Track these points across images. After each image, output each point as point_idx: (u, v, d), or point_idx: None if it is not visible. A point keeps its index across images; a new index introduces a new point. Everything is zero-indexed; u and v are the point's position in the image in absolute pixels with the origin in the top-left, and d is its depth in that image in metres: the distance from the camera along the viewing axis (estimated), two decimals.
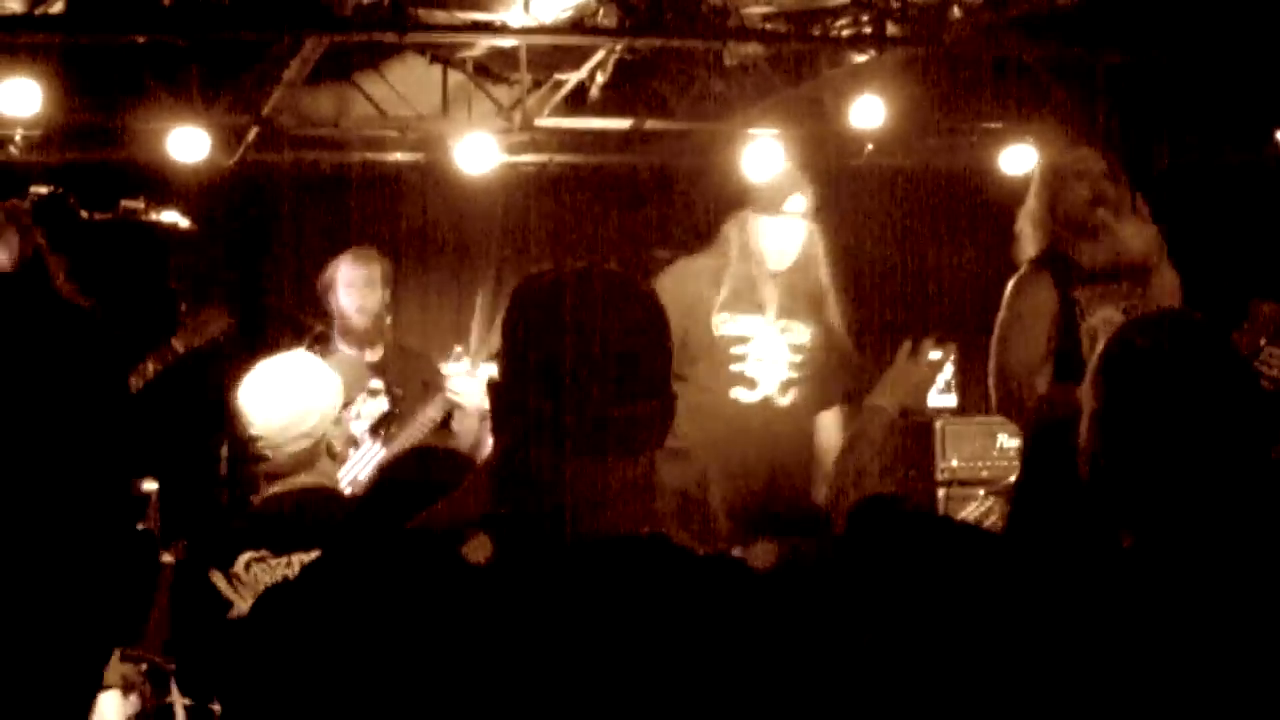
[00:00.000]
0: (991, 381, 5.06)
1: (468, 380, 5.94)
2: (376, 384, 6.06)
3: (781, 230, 5.74)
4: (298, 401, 4.29)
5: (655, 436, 2.11)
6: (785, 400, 5.73)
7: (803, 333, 5.80)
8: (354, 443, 5.93)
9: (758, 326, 5.71)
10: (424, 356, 6.40)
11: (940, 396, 3.50)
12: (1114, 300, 4.94)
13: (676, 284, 5.69)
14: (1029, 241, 5.15)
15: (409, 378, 6.15)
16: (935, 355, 3.55)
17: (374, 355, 6.16)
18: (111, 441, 4.44)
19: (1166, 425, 2.45)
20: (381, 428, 5.88)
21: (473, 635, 1.98)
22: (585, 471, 2.04)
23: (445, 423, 6.05)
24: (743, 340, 5.68)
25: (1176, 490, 2.42)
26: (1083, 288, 4.96)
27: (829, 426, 5.88)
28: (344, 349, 6.15)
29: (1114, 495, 2.49)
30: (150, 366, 5.62)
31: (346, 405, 5.82)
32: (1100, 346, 2.66)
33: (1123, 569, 2.42)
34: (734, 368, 5.62)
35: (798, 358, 5.77)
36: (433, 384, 6.10)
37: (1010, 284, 5.11)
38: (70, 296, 4.87)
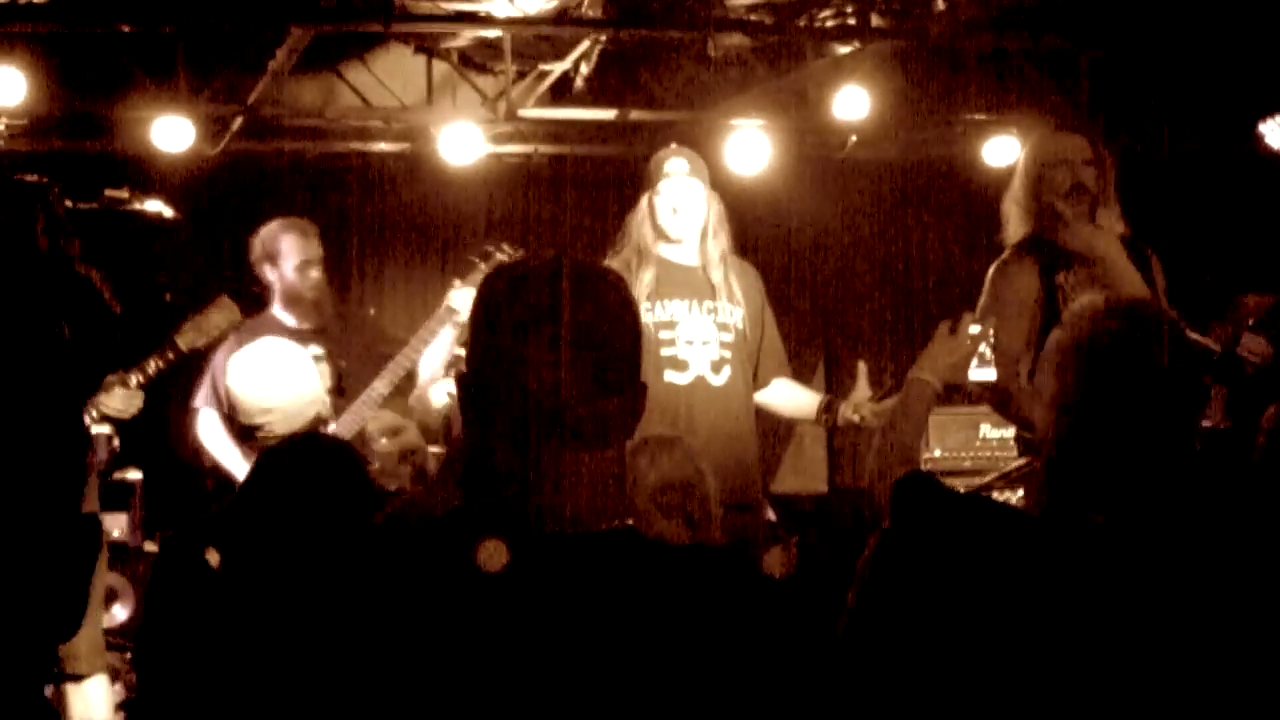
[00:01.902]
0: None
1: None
2: (317, 350, 6.04)
3: (673, 195, 5.66)
4: (302, 376, 4.97)
5: (625, 428, 2.11)
6: (719, 380, 5.66)
7: (731, 312, 5.73)
8: None
9: (682, 310, 5.68)
10: (371, 326, 6.41)
11: (980, 371, 3.49)
12: (1098, 285, 4.92)
13: None
14: (1013, 225, 5.12)
15: (351, 346, 6.15)
16: (975, 329, 3.50)
17: (313, 323, 6.17)
18: (54, 427, 4.49)
19: (1130, 410, 2.48)
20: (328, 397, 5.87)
21: (443, 631, 1.98)
22: (554, 463, 2.04)
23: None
24: (670, 325, 5.63)
25: (1142, 470, 2.45)
26: (1066, 273, 4.95)
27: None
28: (282, 317, 6.17)
29: (1080, 476, 2.51)
30: (153, 364, 5.57)
31: None
32: (1058, 336, 2.68)
33: (1103, 545, 2.44)
34: (664, 352, 5.57)
35: (727, 336, 5.70)
36: (380, 354, 6.11)
37: (992, 270, 5.10)
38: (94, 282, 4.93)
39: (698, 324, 5.67)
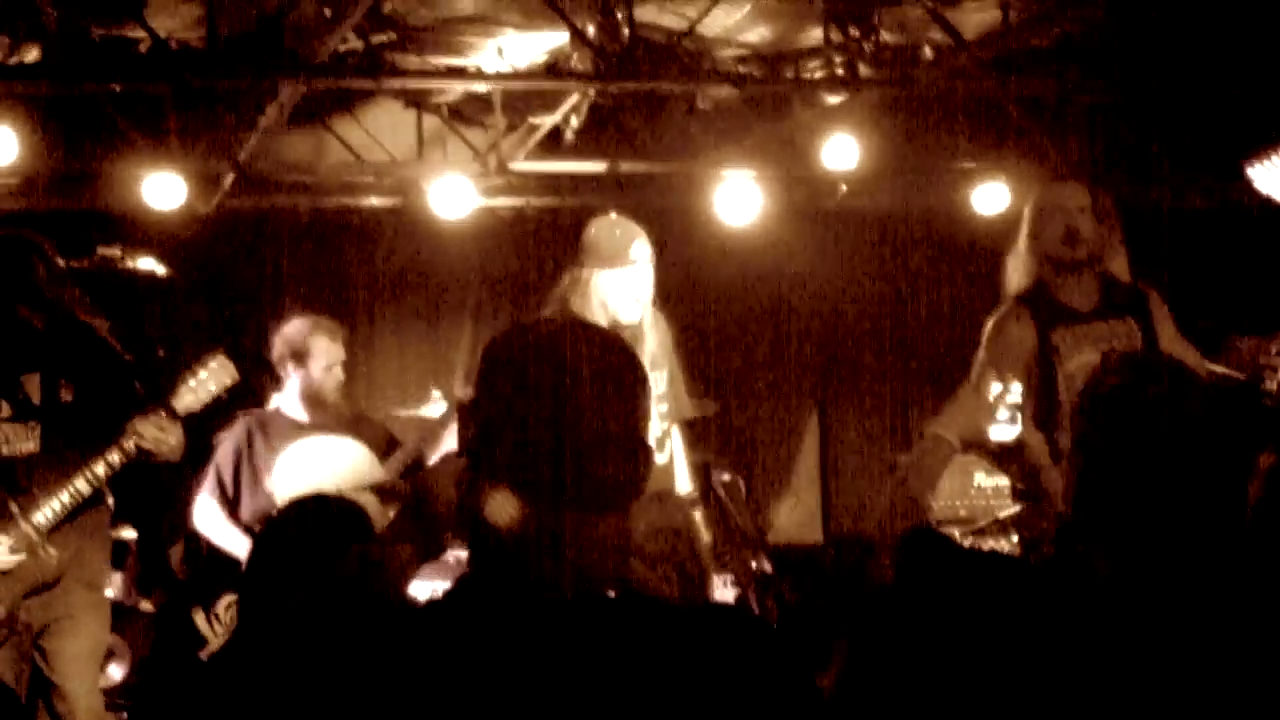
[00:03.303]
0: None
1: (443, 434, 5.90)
2: None
3: (631, 281, 5.35)
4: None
5: (631, 493, 2.08)
6: (663, 458, 5.47)
7: (658, 381, 5.46)
8: None
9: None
10: (379, 425, 6.37)
11: (1001, 429, 3.44)
12: (1093, 342, 4.91)
13: None
14: (1013, 277, 5.11)
15: (359, 439, 6.12)
16: (997, 388, 3.45)
17: (319, 418, 6.12)
18: None
19: (1142, 460, 2.47)
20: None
21: (441, 694, 1.96)
22: (557, 527, 2.02)
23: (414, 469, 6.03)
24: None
25: (1153, 522, 2.44)
26: (1063, 329, 4.94)
27: None
28: (291, 411, 6.12)
29: (1091, 525, 2.50)
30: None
31: None
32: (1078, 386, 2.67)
33: (1102, 597, 2.44)
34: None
35: (663, 407, 5.49)
36: (384, 450, 6.10)
37: (989, 323, 5.07)
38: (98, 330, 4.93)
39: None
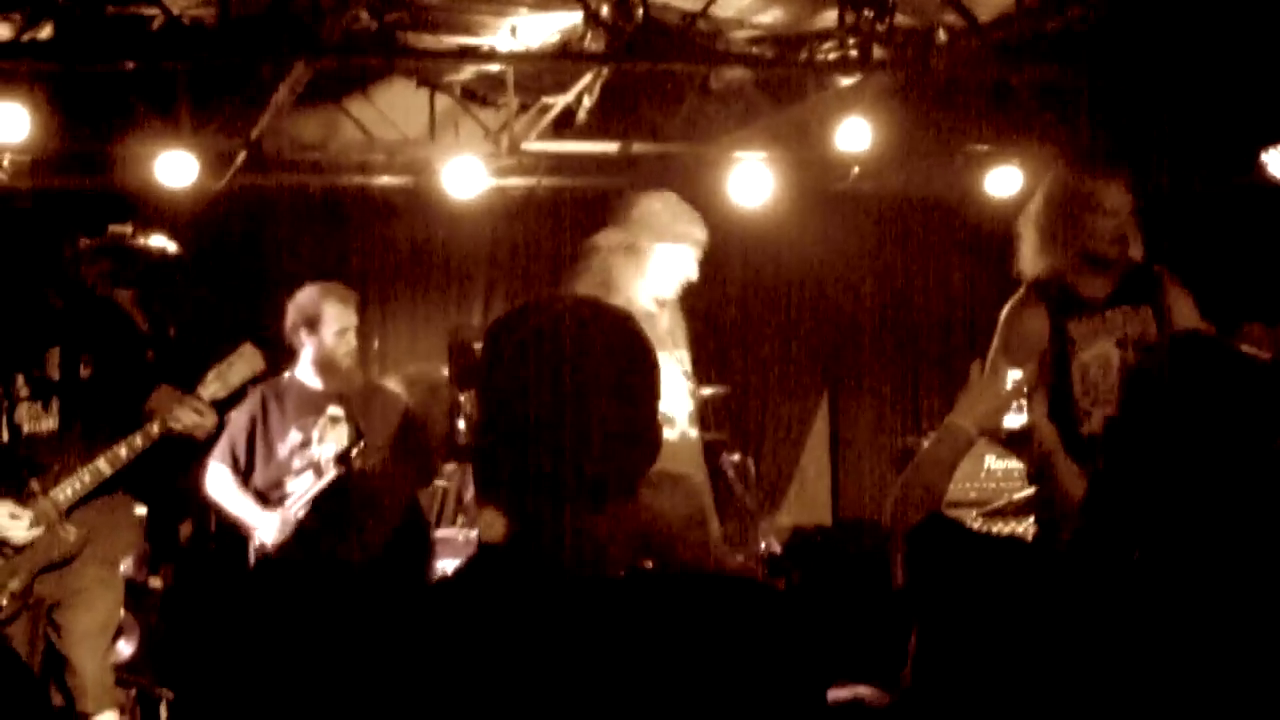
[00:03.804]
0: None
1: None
2: (336, 411, 6.07)
3: (687, 259, 5.49)
4: None
5: (636, 479, 2.04)
6: (694, 432, 5.53)
7: (686, 358, 5.58)
8: (319, 469, 5.97)
9: (666, 361, 5.47)
10: (391, 394, 6.39)
11: (1011, 416, 3.42)
12: (1108, 332, 4.89)
13: None
14: (1033, 261, 4.99)
15: (372, 412, 6.14)
16: (1015, 376, 3.43)
17: (338, 388, 6.16)
18: None
19: (1172, 444, 2.47)
20: (346, 457, 5.87)
21: (445, 670, 1.94)
22: (564, 519, 1.98)
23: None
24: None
25: (1183, 506, 2.44)
26: (1078, 320, 4.90)
27: None
28: (306, 379, 6.17)
29: (1122, 511, 2.50)
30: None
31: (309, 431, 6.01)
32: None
33: (1135, 581, 2.43)
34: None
35: (691, 384, 5.55)
36: (399, 419, 6.12)
37: (1005, 310, 5.02)
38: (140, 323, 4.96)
39: (673, 377, 5.42)
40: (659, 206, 5.57)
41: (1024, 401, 3.55)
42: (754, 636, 1.98)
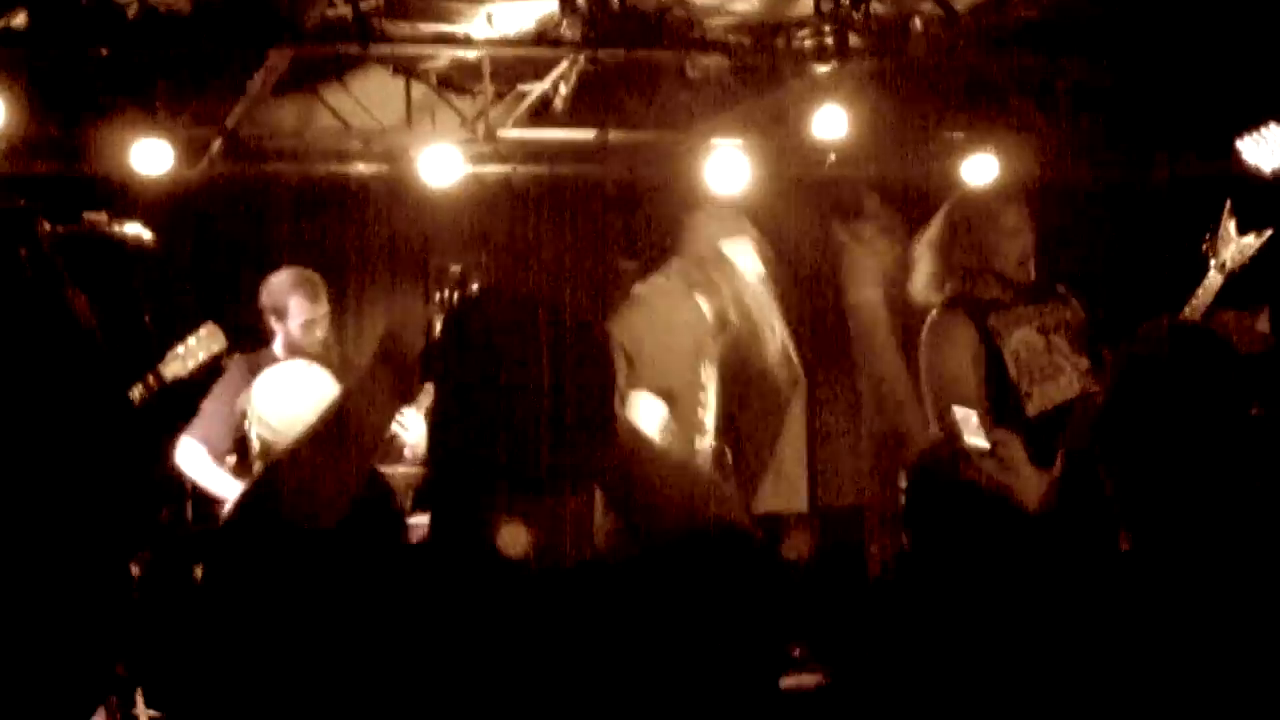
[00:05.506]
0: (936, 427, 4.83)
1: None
2: None
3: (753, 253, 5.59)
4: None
5: (591, 473, 2.04)
6: (716, 443, 5.65)
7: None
8: None
9: (709, 372, 5.59)
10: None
11: (974, 438, 3.45)
12: (1027, 321, 4.92)
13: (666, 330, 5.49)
14: (932, 280, 5.08)
15: (349, 373, 6.18)
16: (960, 412, 3.45)
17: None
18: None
19: (1163, 429, 2.47)
20: None
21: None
22: (520, 508, 1.98)
23: None
24: (702, 386, 5.56)
25: (1174, 493, 2.44)
26: (995, 315, 4.93)
27: None
28: (281, 356, 6.22)
29: (1112, 497, 2.51)
30: (137, 393, 5.57)
31: None
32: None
33: (1124, 571, 2.44)
34: (699, 414, 5.48)
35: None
36: None
37: (925, 332, 5.04)
38: (81, 314, 4.92)
39: (711, 384, 5.68)
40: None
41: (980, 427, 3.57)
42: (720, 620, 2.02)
